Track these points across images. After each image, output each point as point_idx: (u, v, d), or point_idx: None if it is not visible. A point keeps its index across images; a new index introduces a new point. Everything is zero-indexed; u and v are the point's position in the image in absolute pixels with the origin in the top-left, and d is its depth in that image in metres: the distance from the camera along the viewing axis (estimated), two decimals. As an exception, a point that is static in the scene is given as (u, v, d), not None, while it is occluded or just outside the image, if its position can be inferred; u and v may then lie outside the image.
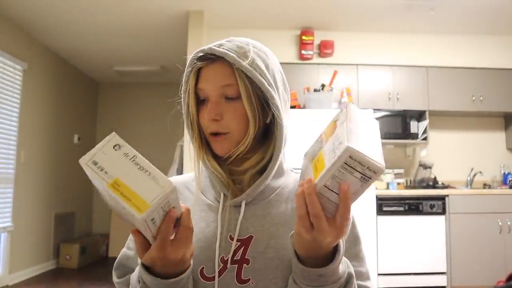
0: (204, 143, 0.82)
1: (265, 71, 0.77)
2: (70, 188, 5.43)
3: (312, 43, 4.32)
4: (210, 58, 0.76)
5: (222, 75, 0.76)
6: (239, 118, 0.77)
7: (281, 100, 0.79)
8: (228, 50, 0.75)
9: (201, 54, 0.77)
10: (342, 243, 0.66)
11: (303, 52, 4.32)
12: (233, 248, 0.75)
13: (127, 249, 0.84)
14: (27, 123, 4.43)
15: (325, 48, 4.34)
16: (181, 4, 3.84)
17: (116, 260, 0.84)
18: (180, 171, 4.05)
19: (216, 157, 0.82)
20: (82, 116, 5.89)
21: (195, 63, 0.78)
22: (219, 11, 4.02)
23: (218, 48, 0.75)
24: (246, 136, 0.77)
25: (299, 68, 4.32)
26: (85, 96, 6.05)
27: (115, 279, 0.81)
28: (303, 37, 4.31)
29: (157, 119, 5.97)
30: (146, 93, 6.31)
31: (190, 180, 0.89)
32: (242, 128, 0.77)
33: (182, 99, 0.82)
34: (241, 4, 3.89)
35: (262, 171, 0.80)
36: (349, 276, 0.69)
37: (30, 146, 4.49)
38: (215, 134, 0.78)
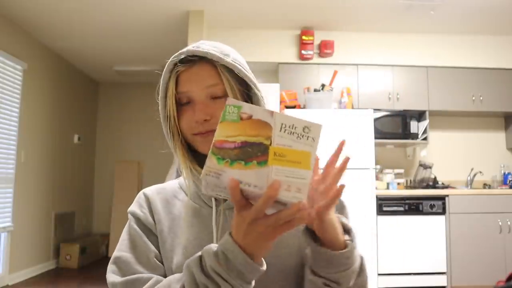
0: (187, 149, 0.81)
1: (246, 66, 0.78)
2: (70, 188, 5.43)
3: (312, 43, 4.32)
4: (190, 60, 0.75)
5: (207, 76, 0.75)
6: None
7: (262, 95, 0.79)
8: (209, 50, 0.74)
9: (178, 58, 0.76)
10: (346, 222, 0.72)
11: (303, 52, 4.32)
12: None
13: (124, 252, 0.79)
14: (27, 123, 4.43)
15: (325, 48, 4.34)
16: (181, 4, 3.84)
17: (116, 257, 0.78)
18: (180, 172, 4.04)
19: (200, 162, 0.80)
20: (82, 116, 5.89)
21: (173, 68, 0.77)
22: (219, 11, 4.02)
23: (198, 49, 0.74)
24: None
25: (299, 68, 4.31)
26: (85, 96, 6.05)
27: (116, 278, 0.74)
28: (303, 37, 4.31)
29: (157, 119, 5.96)
30: (146, 93, 6.27)
31: (176, 188, 0.87)
32: None
33: (159, 106, 0.81)
34: (241, 4, 3.89)
35: None
36: (361, 258, 0.73)
37: (30, 146, 4.49)
38: (202, 133, 0.76)
